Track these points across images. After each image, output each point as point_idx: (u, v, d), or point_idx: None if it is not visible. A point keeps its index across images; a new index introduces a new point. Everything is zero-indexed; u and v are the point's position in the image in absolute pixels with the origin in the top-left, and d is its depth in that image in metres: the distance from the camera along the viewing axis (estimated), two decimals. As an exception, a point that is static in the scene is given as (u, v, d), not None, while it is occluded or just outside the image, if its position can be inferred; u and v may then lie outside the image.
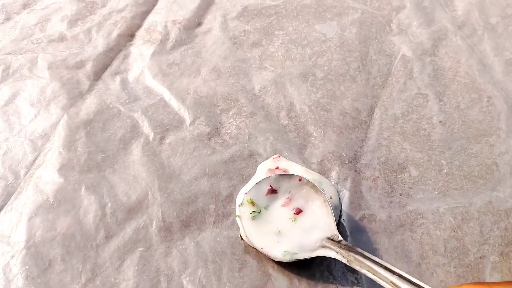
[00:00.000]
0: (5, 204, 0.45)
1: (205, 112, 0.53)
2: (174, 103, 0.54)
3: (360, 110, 0.53)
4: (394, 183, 0.47)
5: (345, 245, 0.38)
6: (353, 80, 0.57)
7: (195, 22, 0.64)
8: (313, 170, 0.47)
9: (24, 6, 0.66)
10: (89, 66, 0.58)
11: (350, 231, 0.43)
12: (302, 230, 0.41)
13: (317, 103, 0.54)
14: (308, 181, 0.42)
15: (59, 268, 0.41)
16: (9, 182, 0.47)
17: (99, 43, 0.61)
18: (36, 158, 0.49)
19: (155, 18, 0.65)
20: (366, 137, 0.51)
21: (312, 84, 0.56)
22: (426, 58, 0.59)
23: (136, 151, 0.49)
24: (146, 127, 0.52)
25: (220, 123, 0.52)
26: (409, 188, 0.46)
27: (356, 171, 0.48)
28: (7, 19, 0.64)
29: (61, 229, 0.43)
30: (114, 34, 0.62)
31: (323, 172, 0.48)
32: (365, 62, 0.59)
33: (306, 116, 0.53)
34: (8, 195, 0.46)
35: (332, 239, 0.39)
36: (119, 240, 0.43)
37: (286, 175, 0.43)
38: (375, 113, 0.53)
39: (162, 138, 0.51)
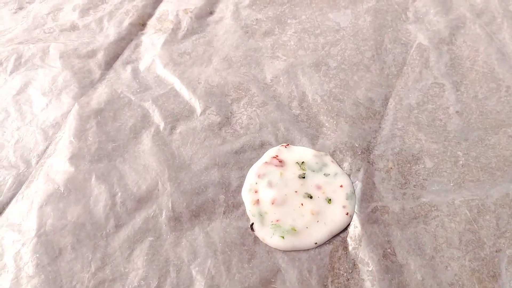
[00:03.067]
0: (16, 193, 0.46)
1: (216, 102, 0.53)
2: (185, 93, 0.54)
3: (374, 100, 0.52)
4: (408, 174, 0.46)
5: None
6: (367, 69, 0.55)
7: (207, 10, 0.63)
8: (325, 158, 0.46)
9: (37, -4, 0.66)
10: (100, 55, 0.58)
11: (362, 223, 0.42)
12: None
13: (329, 93, 0.53)
14: None
15: (69, 256, 0.41)
16: (21, 171, 0.47)
17: (111, 32, 0.60)
18: (47, 147, 0.49)
19: (167, 7, 0.64)
20: (380, 127, 0.50)
21: (325, 74, 0.55)
22: (443, 47, 0.57)
23: (146, 141, 0.49)
24: (156, 117, 0.51)
25: (231, 112, 0.52)
26: (424, 179, 0.45)
27: (369, 162, 0.47)
28: (20, 8, 0.65)
29: (71, 218, 0.44)
30: (126, 23, 0.61)
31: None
32: (380, 51, 0.57)
33: (319, 106, 0.52)
34: (20, 184, 0.46)
35: None
36: (128, 229, 0.43)
37: None
38: (389, 103, 0.52)
39: (173, 128, 0.50)
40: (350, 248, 0.41)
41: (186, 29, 0.61)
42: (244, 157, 0.48)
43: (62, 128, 0.50)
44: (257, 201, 0.44)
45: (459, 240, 0.41)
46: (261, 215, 0.43)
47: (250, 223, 0.43)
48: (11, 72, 0.56)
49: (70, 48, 0.58)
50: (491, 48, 0.56)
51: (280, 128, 0.50)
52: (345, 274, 0.40)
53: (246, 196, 0.45)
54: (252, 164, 0.47)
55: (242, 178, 0.46)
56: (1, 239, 0.42)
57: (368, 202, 0.44)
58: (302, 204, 0.43)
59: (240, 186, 0.46)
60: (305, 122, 0.50)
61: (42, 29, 0.61)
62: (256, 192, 0.44)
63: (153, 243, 0.42)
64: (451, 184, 0.45)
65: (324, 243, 0.42)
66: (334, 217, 0.43)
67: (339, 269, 0.40)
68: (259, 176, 0.46)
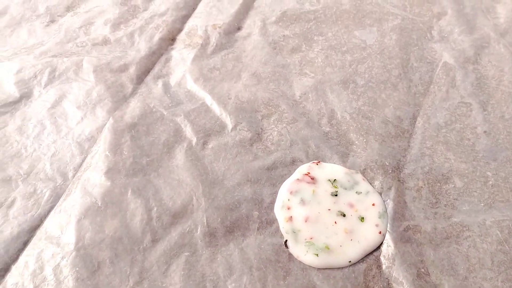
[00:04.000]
0: (54, 205, 0.47)
1: (246, 118, 0.54)
2: (216, 108, 0.55)
3: (402, 119, 0.53)
4: (439, 193, 0.47)
5: None
6: (394, 87, 0.56)
7: (235, 26, 0.65)
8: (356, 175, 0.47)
9: (68, 9, 0.67)
10: (132, 70, 0.59)
11: (395, 242, 0.43)
12: None
13: (358, 110, 0.54)
14: None
15: (107, 270, 0.42)
16: (58, 184, 0.48)
17: (142, 47, 0.61)
18: (83, 161, 0.50)
19: (195, 22, 0.65)
20: (409, 146, 0.51)
21: (353, 92, 0.56)
22: (468, 66, 0.58)
23: (179, 156, 0.50)
24: (189, 132, 0.52)
25: (261, 129, 0.53)
26: (454, 199, 0.46)
27: (399, 180, 0.48)
28: (52, 21, 0.66)
29: (109, 232, 0.44)
30: (156, 38, 0.63)
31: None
32: (406, 70, 0.58)
33: (348, 124, 0.53)
34: (57, 197, 0.47)
35: None
36: (165, 244, 0.44)
37: None
38: (417, 122, 0.53)
39: (205, 143, 0.51)
40: (383, 267, 0.42)
41: (215, 44, 0.62)
42: (276, 173, 0.49)
43: (97, 142, 0.51)
44: (290, 218, 0.45)
45: (491, 261, 0.42)
46: (295, 232, 0.44)
47: (284, 240, 0.44)
48: (46, 85, 0.57)
49: (103, 62, 0.59)
50: (517, 68, 0.57)
51: (311, 145, 0.51)
52: (379, 293, 0.40)
53: (279, 213, 0.45)
54: (284, 181, 0.48)
55: (274, 194, 0.47)
56: (41, 252, 0.43)
57: (400, 221, 0.45)
58: (335, 222, 0.44)
59: (272, 203, 0.46)
60: (335, 140, 0.51)
61: (75, 43, 0.62)
62: (288, 209, 0.45)
63: (189, 258, 0.43)
64: (482, 204, 0.45)
65: (358, 262, 0.42)
66: (367, 236, 0.43)
67: (373, 287, 0.41)
68: (291, 192, 0.46)
